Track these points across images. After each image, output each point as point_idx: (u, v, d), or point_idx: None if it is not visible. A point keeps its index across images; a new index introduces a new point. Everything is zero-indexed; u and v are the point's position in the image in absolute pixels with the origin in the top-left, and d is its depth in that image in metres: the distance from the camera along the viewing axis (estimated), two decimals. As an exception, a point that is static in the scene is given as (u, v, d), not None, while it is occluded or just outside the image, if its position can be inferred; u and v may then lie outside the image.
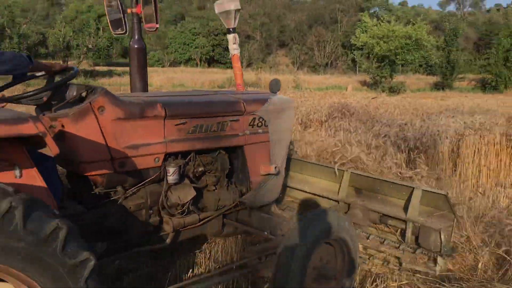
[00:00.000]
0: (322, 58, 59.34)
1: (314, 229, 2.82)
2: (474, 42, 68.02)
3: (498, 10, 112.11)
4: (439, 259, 3.50)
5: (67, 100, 2.54)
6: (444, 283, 3.33)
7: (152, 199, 2.81)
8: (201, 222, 3.08)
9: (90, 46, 36.05)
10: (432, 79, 40.82)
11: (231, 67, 4.85)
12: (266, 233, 3.26)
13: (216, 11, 4.24)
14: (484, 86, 38.32)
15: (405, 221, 3.73)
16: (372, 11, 68.93)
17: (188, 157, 2.98)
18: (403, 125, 7.90)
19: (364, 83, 37.71)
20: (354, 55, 56.56)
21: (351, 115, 9.38)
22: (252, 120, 3.24)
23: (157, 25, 3.64)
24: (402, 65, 39.38)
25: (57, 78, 2.79)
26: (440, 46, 39.73)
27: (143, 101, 2.72)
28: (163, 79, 31.99)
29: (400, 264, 3.62)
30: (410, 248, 3.69)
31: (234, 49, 4.29)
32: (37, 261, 1.71)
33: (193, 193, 2.92)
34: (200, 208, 3.15)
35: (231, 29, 4.20)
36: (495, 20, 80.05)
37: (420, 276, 3.49)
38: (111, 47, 43.13)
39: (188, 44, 57.14)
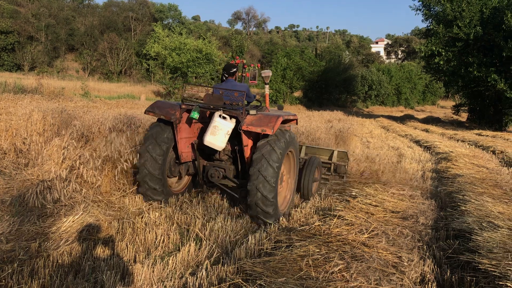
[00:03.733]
0: (116, 65, 57.61)
1: (316, 160, 7.61)
2: (258, 59, 74.83)
3: (277, 32, 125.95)
4: (344, 176, 8.27)
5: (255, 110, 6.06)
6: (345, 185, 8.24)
7: None
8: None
9: None
10: (222, 92, 43.10)
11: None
12: None
13: (262, 75, 7.58)
14: (267, 100, 42.38)
15: (330, 164, 8.32)
16: (165, 22, 69.95)
17: None
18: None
19: (158, 93, 37.87)
20: (148, 64, 56.26)
21: (137, 128, 8.96)
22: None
23: (256, 82, 7.38)
24: (196, 77, 40.77)
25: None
26: (228, 61, 42.41)
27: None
28: None
29: (329, 181, 8.29)
30: (332, 174, 8.33)
31: (267, 91, 8.11)
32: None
33: None
34: None
35: (267, 83, 7.80)
36: (275, 41, 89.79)
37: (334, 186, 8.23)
38: None
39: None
